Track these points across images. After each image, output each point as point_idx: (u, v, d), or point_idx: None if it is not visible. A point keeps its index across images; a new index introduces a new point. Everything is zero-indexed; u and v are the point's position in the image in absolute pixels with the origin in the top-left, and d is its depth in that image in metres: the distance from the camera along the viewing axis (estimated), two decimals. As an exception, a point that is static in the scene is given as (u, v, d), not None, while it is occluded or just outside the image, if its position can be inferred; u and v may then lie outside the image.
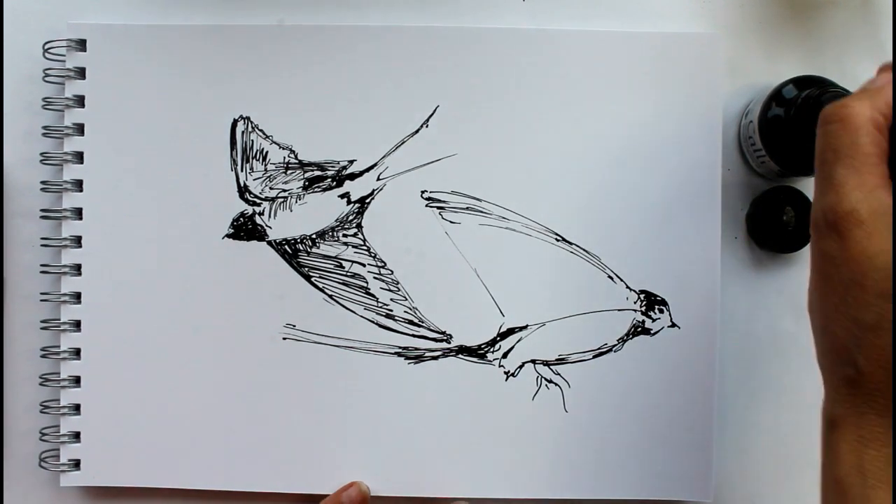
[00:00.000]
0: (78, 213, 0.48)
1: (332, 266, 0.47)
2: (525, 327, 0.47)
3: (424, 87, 0.47)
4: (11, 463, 0.49)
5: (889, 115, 0.33)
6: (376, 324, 0.47)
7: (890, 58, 0.48)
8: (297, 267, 0.47)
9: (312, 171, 0.48)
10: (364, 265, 0.47)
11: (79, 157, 0.48)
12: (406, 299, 0.47)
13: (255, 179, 0.48)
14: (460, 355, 0.47)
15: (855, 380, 0.31)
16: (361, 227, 0.47)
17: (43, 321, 0.48)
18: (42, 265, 0.48)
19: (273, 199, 0.48)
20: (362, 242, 0.47)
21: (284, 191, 0.48)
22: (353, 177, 0.47)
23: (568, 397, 0.47)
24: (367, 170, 0.47)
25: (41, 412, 0.47)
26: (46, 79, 0.48)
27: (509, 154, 0.47)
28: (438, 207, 0.47)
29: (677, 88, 0.47)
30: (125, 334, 0.47)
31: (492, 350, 0.47)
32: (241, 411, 0.47)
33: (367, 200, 0.47)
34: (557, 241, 0.47)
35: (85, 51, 0.48)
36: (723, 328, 0.47)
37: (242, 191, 0.48)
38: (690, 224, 0.47)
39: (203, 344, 0.47)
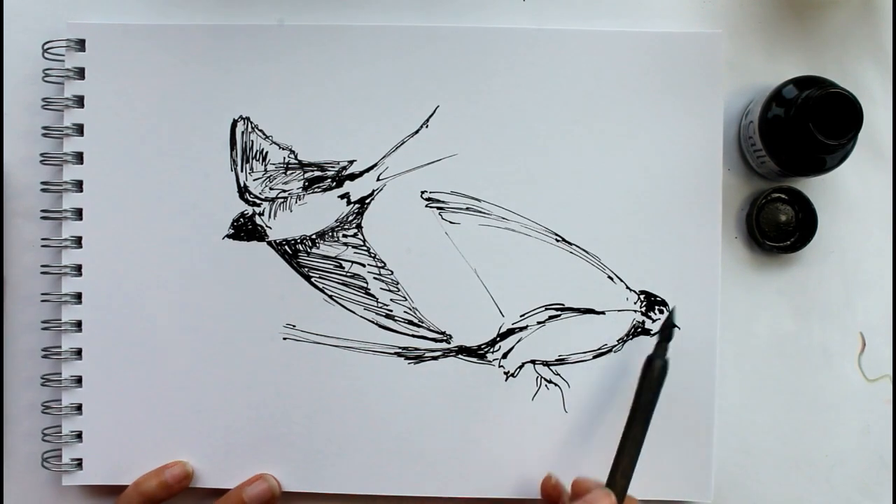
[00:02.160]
0: (78, 213, 0.48)
1: (331, 266, 0.48)
2: (525, 328, 0.47)
3: (424, 87, 0.47)
4: (13, 463, 0.49)
5: None
6: (376, 324, 0.47)
7: (890, 57, 0.48)
8: (297, 267, 0.47)
9: (312, 171, 0.48)
10: (364, 265, 0.47)
11: (79, 157, 0.48)
12: (406, 299, 0.47)
13: (255, 180, 0.48)
14: (460, 355, 0.47)
15: None
16: (361, 227, 0.47)
17: (44, 322, 0.48)
18: (42, 266, 0.48)
19: (273, 200, 0.48)
20: (362, 243, 0.47)
21: (284, 191, 0.48)
22: (353, 177, 0.47)
23: (568, 397, 0.47)
24: (367, 170, 0.47)
25: (43, 412, 0.48)
26: (46, 79, 0.47)
27: (509, 154, 0.47)
28: (438, 208, 0.47)
29: (677, 88, 0.47)
30: (126, 334, 0.47)
31: (492, 350, 0.47)
32: (242, 411, 0.47)
33: (367, 201, 0.47)
34: (557, 241, 0.47)
35: (84, 51, 0.48)
36: (723, 328, 0.47)
37: (242, 191, 0.48)
38: (690, 224, 0.47)
39: (203, 344, 0.47)
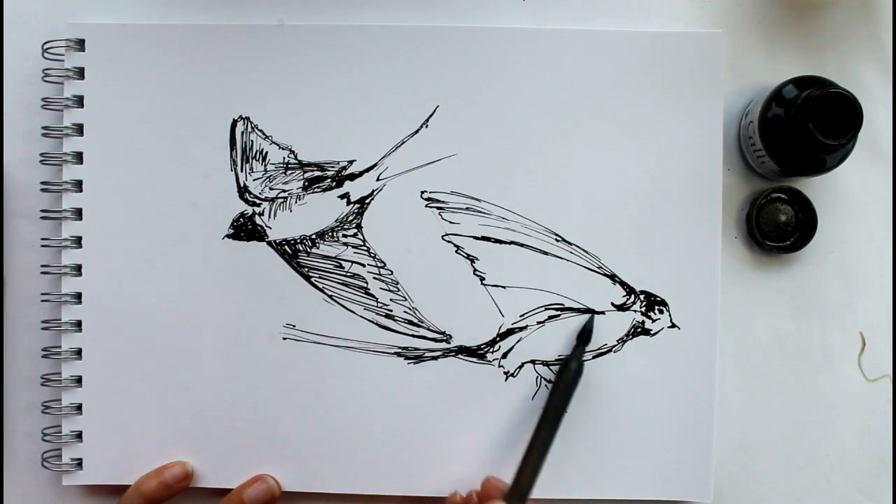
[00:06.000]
0: (78, 213, 0.48)
1: (331, 266, 0.48)
2: (525, 328, 0.47)
3: (424, 87, 0.47)
4: (13, 463, 0.49)
5: None
6: (376, 324, 0.47)
7: (890, 57, 0.48)
8: (297, 267, 0.47)
9: (312, 171, 0.48)
10: (364, 265, 0.47)
11: (78, 157, 0.48)
12: (406, 299, 0.47)
13: (254, 180, 0.48)
14: (460, 355, 0.47)
15: None
16: (361, 227, 0.48)
17: (44, 322, 0.48)
18: (42, 265, 0.48)
19: (273, 200, 0.48)
20: (362, 243, 0.47)
21: (284, 191, 0.48)
22: (352, 177, 0.47)
23: (568, 397, 0.47)
24: (367, 170, 0.47)
25: (43, 412, 0.48)
26: (46, 79, 0.47)
27: (509, 154, 0.47)
28: (438, 208, 0.47)
29: (677, 88, 0.47)
30: (126, 334, 0.47)
31: (492, 350, 0.47)
32: (242, 411, 0.47)
33: (367, 201, 0.47)
34: (557, 241, 0.47)
35: (84, 51, 0.48)
36: (723, 328, 0.47)
37: (242, 191, 0.48)
38: (690, 224, 0.47)
39: (203, 344, 0.47)
